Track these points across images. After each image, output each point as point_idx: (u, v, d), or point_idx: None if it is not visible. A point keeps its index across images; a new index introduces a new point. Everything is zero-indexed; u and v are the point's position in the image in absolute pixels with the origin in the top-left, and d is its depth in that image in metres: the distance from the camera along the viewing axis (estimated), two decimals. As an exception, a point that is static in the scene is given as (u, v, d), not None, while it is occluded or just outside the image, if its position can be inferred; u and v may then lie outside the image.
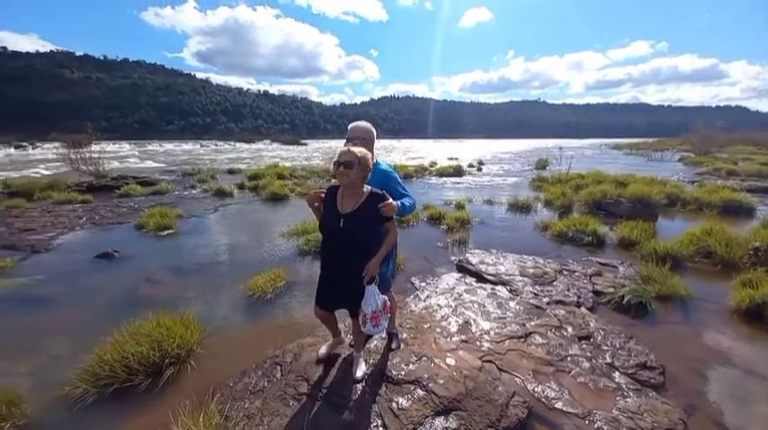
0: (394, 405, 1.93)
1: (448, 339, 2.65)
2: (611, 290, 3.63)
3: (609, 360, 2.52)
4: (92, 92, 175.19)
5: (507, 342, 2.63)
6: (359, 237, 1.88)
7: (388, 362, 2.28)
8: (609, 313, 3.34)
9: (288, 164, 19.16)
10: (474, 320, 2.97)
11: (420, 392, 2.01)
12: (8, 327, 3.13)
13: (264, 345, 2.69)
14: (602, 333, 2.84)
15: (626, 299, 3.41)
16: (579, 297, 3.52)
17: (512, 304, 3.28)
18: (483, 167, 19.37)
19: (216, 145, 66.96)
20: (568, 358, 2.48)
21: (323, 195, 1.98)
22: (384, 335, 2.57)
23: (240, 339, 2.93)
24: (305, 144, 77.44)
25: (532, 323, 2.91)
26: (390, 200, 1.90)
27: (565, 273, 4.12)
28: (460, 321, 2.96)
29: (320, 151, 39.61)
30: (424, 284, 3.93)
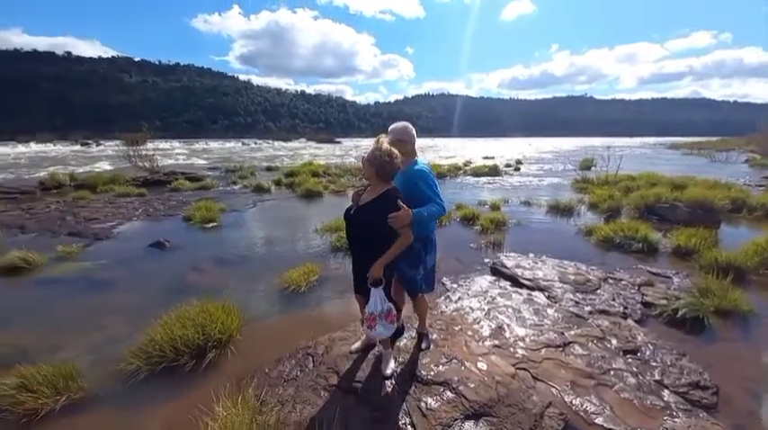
0: (422, 404, 1.92)
1: (480, 343, 2.58)
2: (664, 301, 3.33)
3: (658, 377, 2.32)
4: (148, 94, 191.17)
5: (543, 350, 2.51)
6: (365, 230, 1.93)
7: (418, 362, 2.26)
8: (659, 327, 3.07)
9: (322, 161, 19.64)
10: (508, 325, 2.86)
11: (449, 394, 1.98)
12: (73, 307, 3.50)
13: (298, 336, 2.79)
14: (652, 347, 2.62)
15: (680, 312, 3.12)
16: (626, 307, 3.27)
17: (549, 311, 3.12)
18: (521, 167, 18.59)
19: (256, 143, 70.36)
20: (611, 372, 2.32)
21: (358, 191, 2.08)
22: (412, 334, 2.56)
23: (275, 329, 3.06)
24: (339, 142, 78.97)
25: (572, 332, 2.75)
26: (400, 212, 1.85)
27: (610, 281, 3.85)
28: (493, 325, 2.87)
29: (354, 149, 40.18)
30: (455, 286, 3.86)
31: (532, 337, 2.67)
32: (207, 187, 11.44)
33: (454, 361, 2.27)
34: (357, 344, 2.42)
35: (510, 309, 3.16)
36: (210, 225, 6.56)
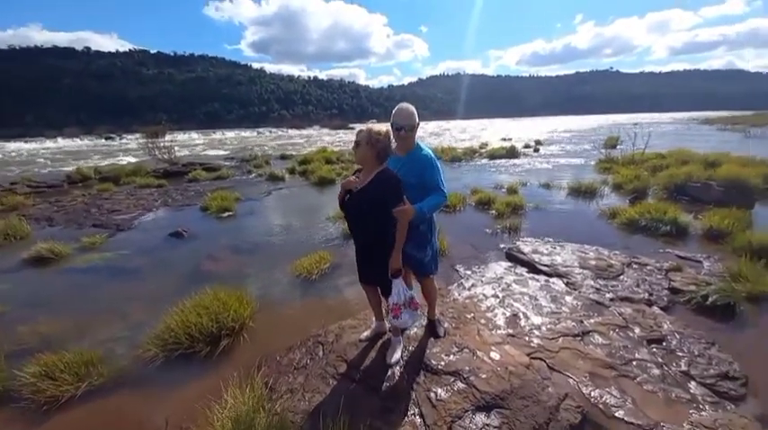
0: (432, 395, 1.88)
1: (493, 332, 2.51)
2: (693, 288, 3.13)
3: (684, 367, 2.18)
4: (165, 86, 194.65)
5: (561, 339, 2.41)
6: (367, 214, 1.89)
7: (428, 351, 2.22)
8: (687, 314, 2.90)
9: (336, 148, 19.56)
10: (523, 313, 2.77)
11: (460, 385, 1.93)
12: (96, 295, 3.64)
13: (309, 324, 2.80)
14: (678, 336, 2.47)
15: (710, 299, 2.92)
16: (651, 294, 3.10)
17: (568, 298, 3.00)
18: (540, 148, 17.90)
19: (270, 132, 70.88)
20: (634, 362, 2.20)
21: (352, 179, 1.99)
22: (423, 322, 2.51)
23: (287, 316, 3.08)
24: (352, 128, 78.49)
25: (592, 321, 2.63)
26: (406, 205, 1.85)
27: (634, 266, 3.65)
28: (508, 313, 2.78)
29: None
30: (469, 272, 3.77)
31: (549, 326, 2.57)
32: (223, 177, 11.63)
33: (465, 350, 2.21)
34: (367, 333, 2.39)
35: (526, 297, 3.05)
36: (226, 214, 6.67)
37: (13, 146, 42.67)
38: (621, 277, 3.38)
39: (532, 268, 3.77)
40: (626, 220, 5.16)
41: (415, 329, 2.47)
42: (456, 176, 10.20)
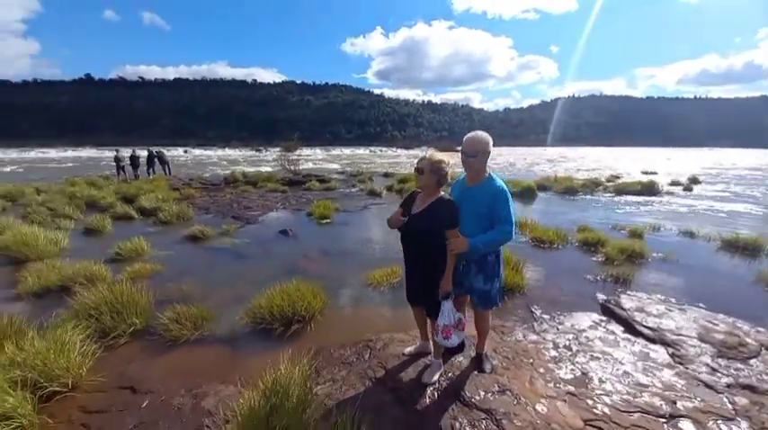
0: (457, 424, 1.84)
1: (550, 384, 2.26)
2: None
3: None
4: (303, 110, 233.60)
5: (636, 415, 2.01)
6: (420, 238, 1.98)
7: (467, 383, 2.16)
8: None
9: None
10: (597, 375, 2.39)
11: (490, 425, 1.83)
12: (221, 269, 4.70)
13: (365, 328, 3.04)
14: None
15: None
16: (799, 393, 2.26)
17: (666, 372, 2.44)
18: (695, 187, 14.38)
19: (381, 150, 76.80)
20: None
21: (401, 217, 2.11)
22: (471, 353, 2.44)
23: (349, 317, 3.39)
24: (457, 150, 78.24)
25: (689, 404, 2.09)
26: (460, 238, 1.91)
27: (784, 352, 2.71)
28: (577, 371, 2.44)
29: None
30: (545, 316, 3.42)
31: (626, 397, 2.16)
32: (331, 188, 13.22)
33: (508, 393, 2.07)
34: (411, 348, 2.48)
35: (608, 358, 2.62)
36: (325, 221, 7.62)
37: (197, 152, 60.21)
38: (753, 361, 2.55)
39: (630, 328, 3.17)
40: (797, 293, 3.81)
41: (461, 358, 2.43)
42: (563, 210, 9.19)
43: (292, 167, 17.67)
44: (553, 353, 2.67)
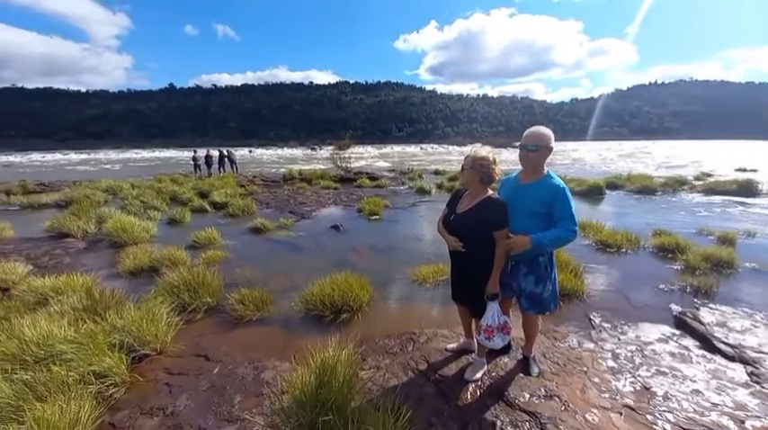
0: (498, 423, 1.83)
1: (605, 394, 2.12)
2: None
3: None
4: (356, 109, 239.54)
5: (707, 437, 1.81)
6: (466, 237, 1.95)
7: (512, 384, 2.12)
8: None
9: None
10: (660, 390, 2.19)
11: (533, 427, 1.79)
12: (280, 259, 5.12)
13: (410, 322, 3.11)
14: None
15: None
16: None
17: (741, 391, 2.15)
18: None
19: (432, 148, 75.90)
20: None
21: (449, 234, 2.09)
22: (518, 356, 2.38)
23: (394, 311, 3.49)
24: (516, 147, 74.09)
25: (757, 423, 1.82)
26: (519, 236, 1.84)
27: None
28: (638, 384, 2.25)
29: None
30: (606, 325, 3.17)
31: (692, 415, 1.95)
32: (381, 186, 13.47)
33: (556, 398, 2.00)
34: (453, 345, 2.50)
35: (677, 374, 2.38)
36: (374, 217, 7.82)
37: (259, 151, 65.43)
38: None
39: (707, 344, 2.82)
40: None
41: (506, 360, 2.39)
42: (637, 212, 8.29)
43: (344, 165, 18.33)
44: (611, 363, 2.49)
